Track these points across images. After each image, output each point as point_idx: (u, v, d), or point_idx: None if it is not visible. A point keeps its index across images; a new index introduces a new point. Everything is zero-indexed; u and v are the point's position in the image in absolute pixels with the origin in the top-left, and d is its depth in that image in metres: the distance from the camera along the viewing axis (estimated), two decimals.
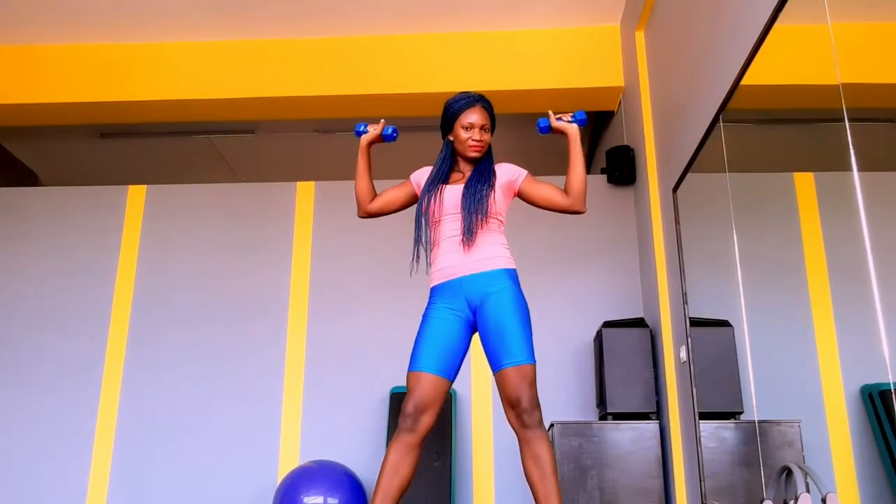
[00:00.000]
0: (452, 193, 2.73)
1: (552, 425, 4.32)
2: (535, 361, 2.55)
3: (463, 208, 2.68)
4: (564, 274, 5.06)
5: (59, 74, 5.47)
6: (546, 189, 2.83)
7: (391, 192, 2.90)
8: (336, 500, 4.10)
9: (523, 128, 6.60)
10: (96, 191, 5.48)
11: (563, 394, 4.80)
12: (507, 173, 2.82)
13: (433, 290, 2.72)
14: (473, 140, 2.77)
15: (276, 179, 6.34)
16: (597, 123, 6.35)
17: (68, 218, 5.37)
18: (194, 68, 5.46)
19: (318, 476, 4.23)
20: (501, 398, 2.57)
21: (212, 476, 4.76)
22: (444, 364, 2.58)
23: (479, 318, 2.62)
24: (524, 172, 2.85)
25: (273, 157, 7.09)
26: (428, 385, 2.55)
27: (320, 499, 4.08)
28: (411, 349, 2.63)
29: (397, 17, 5.28)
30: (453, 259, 2.67)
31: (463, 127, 2.78)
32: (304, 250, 5.21)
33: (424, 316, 2.68)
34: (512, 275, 2.67)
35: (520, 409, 2.51)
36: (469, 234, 2.65)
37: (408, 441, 2.53)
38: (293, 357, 4.98)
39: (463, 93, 2.85)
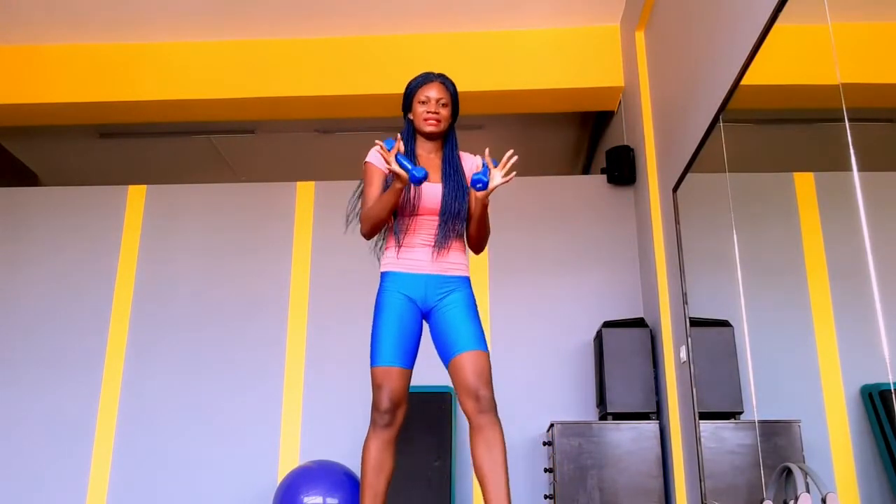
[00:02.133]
0: (431, 193, 2.69)
1: (552, 425, 4.32)
2: (488, 351, 2.61)
3: (442, 214, 2.67)
4: (564, 274, 5.05)
5: (59, 74, 5.48)
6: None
7: (379, 194, 2.78)
8: (336, 500, 4.10)
9: (523, 128, 6.60)
10: (96, 191, 5.48)
11: (563, 394, 4.80)
12: (471, 168, 2.80)
13: (390, 275, 2.69)
14: (429, 112, 2.74)
15: (276, 179, 6.34)
16: (597, 123, 6.35)
17: (68, 218, 5.37)
18: (194, 68, 5.46)
19: (318, 476, 4.23)
20: (456, 385, 2.58)
21: (212, 476, 4.76)
22: (408, 356, 2.62)
23: (435, 313, 2.66)
24: None
25: (273, 157, 7.09)
26: (398, 379, 2.58)
27: (320, 499, 4.08)
28: (372, 340, 2.63)
29: (397, 17, 5.28)
30: (422, 255, 2.68)
31: (420, 101, 2.76)
32: (304, 250, 5.21)
33: (381, 304, 2.65)
34: (469, 282, 2.74)
35: (477, 393, 2.52)
36: (444, 242, 2.67)
37: (386, 437, 2.57)
38: (293, 357, 4.98)
39: (425, 72, 2.85)
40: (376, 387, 2.57)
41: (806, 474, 2.70)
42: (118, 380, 4.97)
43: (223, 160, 7.12)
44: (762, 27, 2.90)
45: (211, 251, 5.25)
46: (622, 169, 5.10)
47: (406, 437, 4.45)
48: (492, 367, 2.61)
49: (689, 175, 3.93)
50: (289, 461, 4.74)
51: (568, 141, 6.90)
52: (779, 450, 3.02)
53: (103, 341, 5.06)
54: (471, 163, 2.82)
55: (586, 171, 6.88)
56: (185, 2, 5.11)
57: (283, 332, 5.03)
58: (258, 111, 5.66)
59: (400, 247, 2.70)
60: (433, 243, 2.67)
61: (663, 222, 4.46)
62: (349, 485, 4.24)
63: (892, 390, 2.09)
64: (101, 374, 4.98)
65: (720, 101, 3.38)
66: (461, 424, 4.79)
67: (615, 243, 5.11)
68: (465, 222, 2.73)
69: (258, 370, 4.96)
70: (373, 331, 2.64)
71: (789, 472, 2.82)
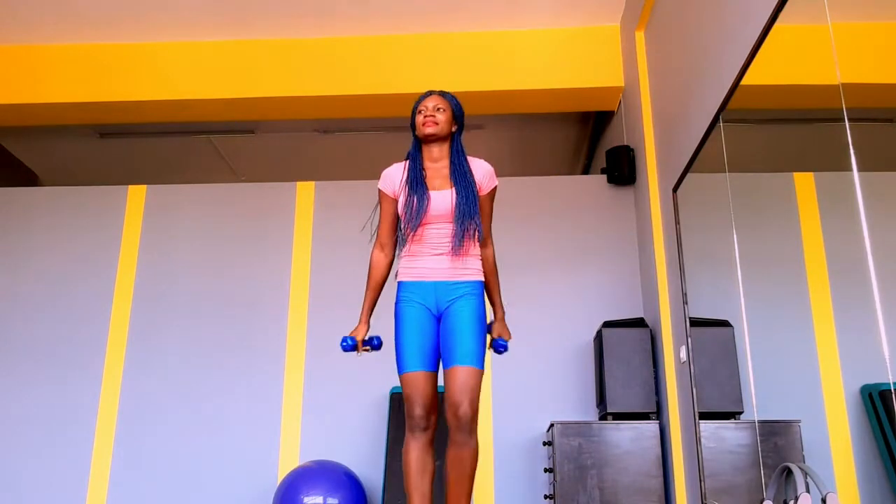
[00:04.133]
0: (441, 200, 2.75)
1: (552, 425, 4.32)
2: (483, 369, 2.65)
3: (455, 220, 2.72)
4: (564, 274, 5.05)
5: (58, 74, 5.47)
6: (486, 219, 2.86)
7: (389, 224, 2.87)
8: (336, 500, 4.10)
9: (523, 128, 6.60)
10: (96, 191, 5.48)
11: (563, 394, 4.80)
12: (482, 174, 2.85)
13: (402, 284, 2.78)
14: (426, 116, 2.82)
15: (276, 179, 6.34)
16: (597, 123, 6.35)
17: (68, 218, 5.37)
18: (194, 68, 5.46)
19: (318, 476, 4.23)
20: (444, 396, 2.64)
21: (212, 476, 4.76)
22: (431, 359, 2.69)
23: (444, 318, 2.72)
24: (495, 184, 2.89)
25: (273, 157, 7.09)
26: (425, 383, 2.66)
27: (320, 499, 4.08)
28: (396, 350, 2.70)
29: (397, 17, 5.28)
30: (434, 263, 2.75)
31: (419, 112, 2.86)
32: (303, 250, 5.21)
33: (399, 314, 2.75)
34: (480, 286, 2.79)
35: (457, 410, 2.57)
36: (459, 245, 2.71)
37: (424, 440, 2.64)
38: (293, 357, 4.98)
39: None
40: (407, 396, 2.65)
41: (806, 474, 2.70)
42: (118, 380, 4.97)
43: (223, 160, 7.12)
44: (762, 27, 2.90)
45: (211, 251, 5.25)
46: (622, 169, 5.10)
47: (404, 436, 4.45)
48: (480, 383, 2.64)
49: (689, 175, 3.93)
50: (289, 461, 4.74)
51: (568, 141, 6.90)
52: (779, 450, 3.02)
53: (103, 341, 5.06)
54: (479, 167, 2.85)
55: (586, 171, 6.88)
56: (185, 2, 5.11)
57: (283, 333, 5.03)
58: (258, 111, 5.66)
59: (413, 256, 2.79)
60: (447, 250, 2.73)
61: (663, 222, 4.46)
62: (349, 485, 4.24)
63: (892, 390, 2.09)
64: (101, 374, 4.98)
65: (720, 101, 3.38)
66: None
67: (615, 243, 5.11)
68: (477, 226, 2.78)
69: (258, 370, 4.96)
70: (395, 341, 2.73)
71: (789, 472, 2.82)
